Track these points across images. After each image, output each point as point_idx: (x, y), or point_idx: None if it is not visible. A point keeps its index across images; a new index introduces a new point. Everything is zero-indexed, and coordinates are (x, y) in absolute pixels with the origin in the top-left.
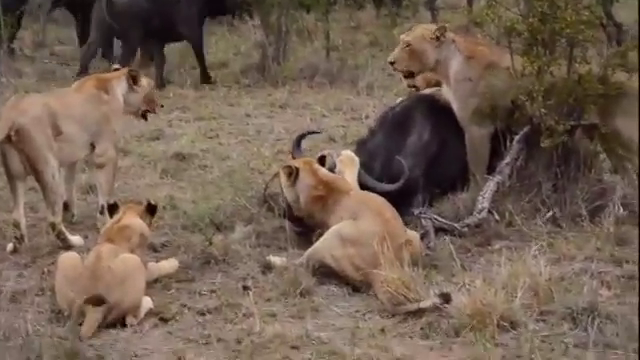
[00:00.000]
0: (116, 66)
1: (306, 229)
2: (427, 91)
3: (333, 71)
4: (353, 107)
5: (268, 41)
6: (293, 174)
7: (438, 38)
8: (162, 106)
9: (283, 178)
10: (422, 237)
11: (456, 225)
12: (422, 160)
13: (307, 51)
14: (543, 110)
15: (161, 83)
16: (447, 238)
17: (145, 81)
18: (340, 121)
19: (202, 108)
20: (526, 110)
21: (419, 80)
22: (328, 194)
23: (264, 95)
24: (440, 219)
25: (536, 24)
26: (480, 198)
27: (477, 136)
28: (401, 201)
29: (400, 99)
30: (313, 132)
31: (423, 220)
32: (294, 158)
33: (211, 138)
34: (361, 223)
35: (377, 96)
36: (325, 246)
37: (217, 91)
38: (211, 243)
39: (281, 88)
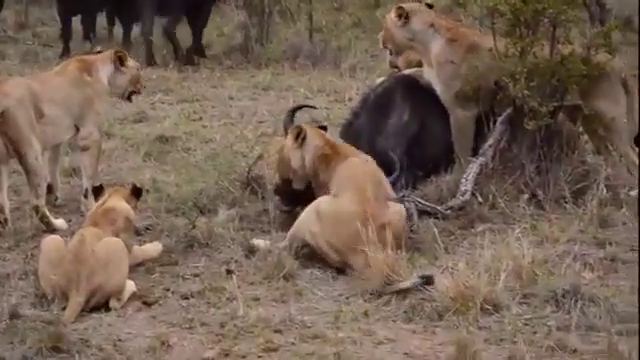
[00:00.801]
0: (99, 49)
1: (293, 206)
2: (407, 71)
3: (316, 53)
4: (336, 89)
5: (251, 22)
6: (301, 135)
7: (400, 18)
8: (144, 87)
9: (290, 140)
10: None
11: (439, 208)
12: (403, 140)
13: (290, 32)
14: (526, 92)
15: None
16: (430, 221)
17: (132, 62)
18: (323, 103)
19: (185, 90)
20: (509, 92)
21: (400, 60)
22: (334, 154)
23: (247, 77)
24: (423, 202)
25: (519, 4)
26: (463, 180)
27: (462, 118)
28: None
29: (381, 79)
30: (308, 106)
31: (406, 203)
32: (287, 133)
33: (194, 121)
34: (340, 201)
35: (360, 78)
36: (303, 221)
37: (200, 73)
38: (194, 226)
39: (264, 70)
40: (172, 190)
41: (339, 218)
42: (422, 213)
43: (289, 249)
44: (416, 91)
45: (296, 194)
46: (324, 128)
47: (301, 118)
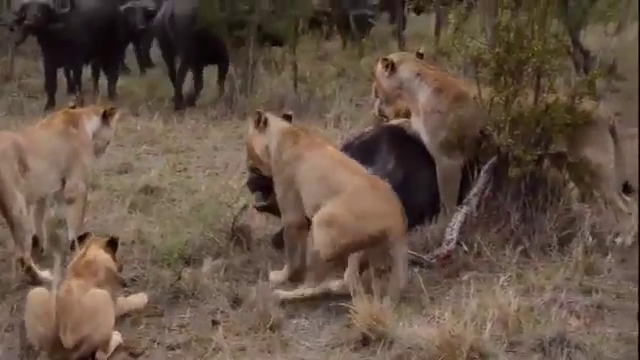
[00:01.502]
0: (71, 104)
1: (267, 198)
2: (394, 122)
3: (301, 102)
4: None
5: (236, 73)
6: (262, 119)
7: (386, 69)
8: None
9: (251, 127)
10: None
11: (425, 257)
12: None
13: (275, 83)
14: (510, 140)
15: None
16: (416, 270)
17: (117, 117)
18: None
19: (170, 141)
20: (493, 140)
21: (389, 110)
22: (304, 137)
23: (232, 127)
24: (409, 251)
25: (502, 54)
26: (448, 229)
27: (448, 167)
28: None
29: (367, 129)
30: None
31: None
32: None
33: (179, 171)
34: (340, 185)
35: (345, 127)
36: (317, 240)
37: (185, 124)
38: (180, 277)
39: (249, 120)
40: (157, 241)
41: (352, 198)
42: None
43: (315, 279)
44: (402, 141)
45: (269, 186)
46: (289, 117)
47: None
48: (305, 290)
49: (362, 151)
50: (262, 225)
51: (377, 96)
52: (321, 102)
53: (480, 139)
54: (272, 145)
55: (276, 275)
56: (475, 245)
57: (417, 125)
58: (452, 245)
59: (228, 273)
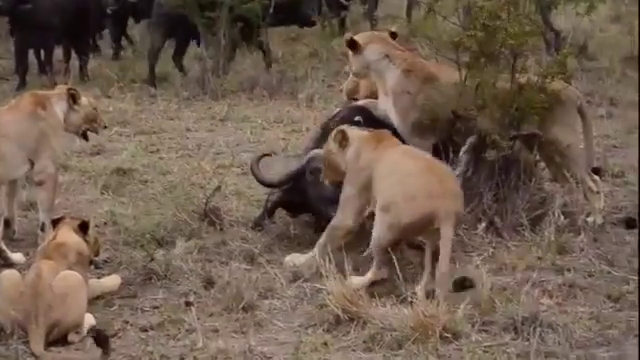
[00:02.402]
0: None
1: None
2: (362, 102)
3: (273, 83)
4: (293, 119)
5: (208, 54)
6: (345, 138)
7: (351, 49)
8: (106, 127)
9: (334, 147)
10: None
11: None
12: None
13: (247, 64)
14: (488, 121)
15: None
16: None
17: (85, 100)
18: (281, 133)
19: (142, 122)
20: (471, 122)
21: (362, 87)
22: (381, 140)
23: (204, 108)
24: None
25: (483, 38)
26: None
27: (419, 147)
28: None
29: (338, 110)
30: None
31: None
32: (257, 178)
33: (152, 153)
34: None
35: (317, 107)
36: (380, 230)
37: (157, 105)
38: (153, 259)
39: (221, 101)
40: (130, 223)
41: (404, 181)
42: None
43: (379, 266)
44: (370, 122)
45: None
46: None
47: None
48: (371, 275)
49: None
50: (234, 207)
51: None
52: (293, 82)
53: (452, 120)
54: (349, 151)
55: (356, 280)
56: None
57: (386, 105)
58: None
59: (201, 254)
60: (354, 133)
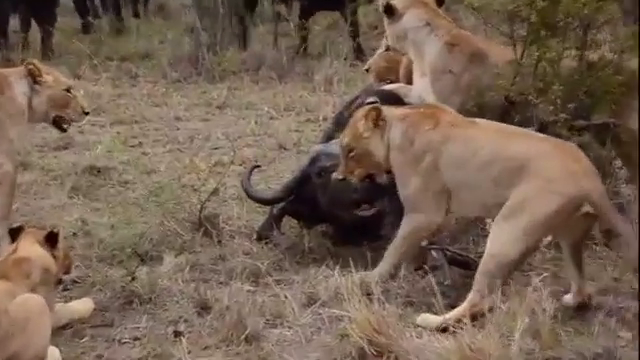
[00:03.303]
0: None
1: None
2: (390, 86)
3: (283, 62)
4: (308, 107)
5: (202, 25)
6: (380, 117)
7: (387, 15)
8: (86, 113)
9: (365, 129)
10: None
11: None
12: None
13: (251, 38)
14: (542, 106)
15: None
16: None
17: (51, 79)
18: (292, 124)
19: (121, 109)
20: (529, 110)
21: (402, 66)
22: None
23: (198, 93)
24: (453, 249)
25: (545, 6)
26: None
27: None
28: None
29: (356, 95)
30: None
31: (434, 252)
32: (248, 194)
33: (133, 147)
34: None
35: (337, 92)
36: (506, 242)
37: (139, 88)
38: (134, 278)
39: (219, 84)
40: (106, 234)
41: (539, 168)
42: (452, 262)
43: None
44: None
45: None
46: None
47: (265, 143)
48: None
49: None
50: (235, 214)
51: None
52: (308, 61)
53: (505, 107)
54: (393, 135)
55: (428, 320)
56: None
57: (422, 89)
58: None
59: (194, 272)
60: (392, 111)
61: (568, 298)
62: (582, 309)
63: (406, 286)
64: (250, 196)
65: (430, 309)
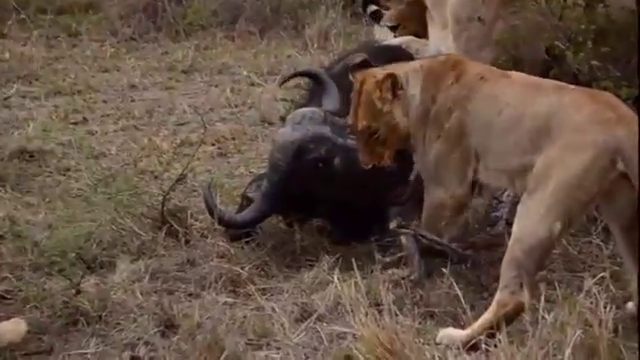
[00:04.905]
0: None
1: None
2: (397, 40)
3: (265, 13)
4: (298, 69)
5: None
6: (397, 85)
7: None
8: None
9: (383, 98)
10: (403, 263)
11: (453, 245)
12: None
13: None
14: (595, 62)
15: None
16: (447, 269)
17: None
18: (278, 92)
19: (59, 77)
20: (567, 64)
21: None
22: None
23: (158, 54)
24: (430, 236)
25: None
26: (495, 202)
27: None
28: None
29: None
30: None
31: (403, 238)
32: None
33: (75, 125)
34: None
35: (335, 50)
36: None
37: (81, 48)
38: (79, 291)
39: (184, 42)
40: (42, 235)
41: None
42: (428, 253)
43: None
44: None
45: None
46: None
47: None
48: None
49: (344, 81)
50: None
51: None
52: (297, 11)
53: (547, 62)
54: (412, 93)
55: (452, 335)
56: None
57: (440, 42)
58: (501, 227)
59: (155, 282)
60: (404, 67)
61: (631, 306)
62: None
63: (424, 292)
64: (220, 220)
65: (456, 321)
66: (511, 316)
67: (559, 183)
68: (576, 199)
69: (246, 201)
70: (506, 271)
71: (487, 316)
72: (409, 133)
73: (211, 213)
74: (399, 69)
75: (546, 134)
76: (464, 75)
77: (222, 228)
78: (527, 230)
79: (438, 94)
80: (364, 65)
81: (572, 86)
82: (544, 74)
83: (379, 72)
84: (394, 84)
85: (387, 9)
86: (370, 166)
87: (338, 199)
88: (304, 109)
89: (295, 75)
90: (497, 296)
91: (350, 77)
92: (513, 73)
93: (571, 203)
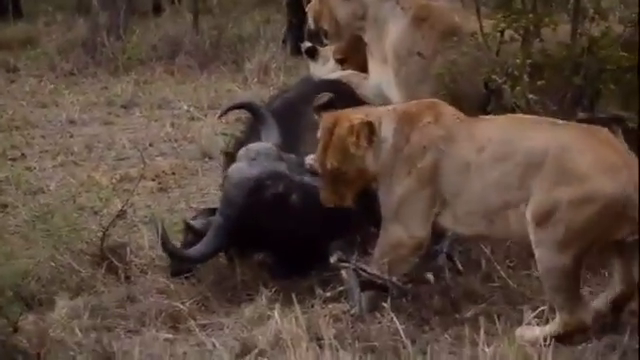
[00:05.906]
0: None
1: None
2: (335, 75)
3: (205, 48)
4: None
5: (100, 2)
6: (373, 131)
7: None
8: None
9: (357, 146)
10: (344, 298)
11: (395, 279)
12: None
13: (163, 18)
14: (531, 96)
15: None
16: (387, 303)
17: None
18: (219, 126)
19: None
20: (505, 98)
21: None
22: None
23: (97, 89)
24: (370, 270)
25: None
26: (435, 237)
27: None
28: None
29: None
30: None
31: (344, 272)
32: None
33: (13, 160)
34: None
35: (275, 84)
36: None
37: (20, 83)
38: (17, 330)
39: (124, 77)
40: None
41: (563, 162)
42: (367, 286)
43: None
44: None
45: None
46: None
47: (184, 151)
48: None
49: (285, 116)
50: (147, 243)
51: (318, 28)
52: (237, 45)
53: (486, 97)
54: (385, 135)
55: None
56: (483, 260)
57: (380, 78)
58: (441, 260)
59: (95, 319)
60: (377, 111)
61: None
62: None
63: (365, 326)
64: (172, 255)
65: (397, 356)
66: (576, 332)
67: (570, 231)
68: (587, 241)
69: (191, 233)
70: (553, 295)
71: (546, 331)
72: (376, 175)
73: (165, 246)
74: (372, 115)
75: (537, 169)
76: (442, 116)
77: (162, 264)
78: (552, 263)
79: (412, 132)
80: (329, 105)
81: (562, 122)
82: (482, 108)
83: (353, 117)
84: (371, 132)
85: (323, 45)
86: (331, 205)
87: (291, 235)
88: (256, 144)
89: (233, 107)
90: (556, 318)
91: (315, 116)
92: (490, 116)
93: (583, 244)
